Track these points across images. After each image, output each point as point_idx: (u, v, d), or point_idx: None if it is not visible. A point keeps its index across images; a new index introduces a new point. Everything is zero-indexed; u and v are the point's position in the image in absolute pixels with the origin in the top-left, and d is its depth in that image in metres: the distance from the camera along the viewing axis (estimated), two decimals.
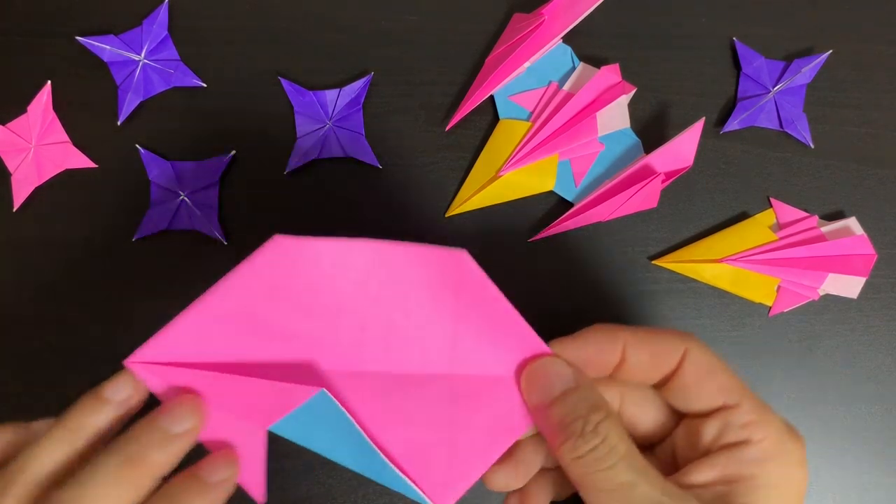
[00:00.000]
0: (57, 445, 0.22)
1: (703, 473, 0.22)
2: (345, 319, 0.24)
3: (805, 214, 0.35)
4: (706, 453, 0.23)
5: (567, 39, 0.35)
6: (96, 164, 0.35)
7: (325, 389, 0.22)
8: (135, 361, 0.23)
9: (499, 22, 0.36)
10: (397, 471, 0.24)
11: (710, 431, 0.23)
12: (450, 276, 0.24)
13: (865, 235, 0.34)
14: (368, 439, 0.23)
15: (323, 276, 0.24)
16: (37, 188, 0.35)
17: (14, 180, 0.35)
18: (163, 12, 0.35)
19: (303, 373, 0.24)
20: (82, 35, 0.35)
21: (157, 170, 0.34)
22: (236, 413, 0.24)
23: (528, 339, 0.24)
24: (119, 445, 0.22)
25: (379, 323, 0.24)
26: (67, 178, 0.35)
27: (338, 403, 0.23)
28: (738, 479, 0.22)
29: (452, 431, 0.24)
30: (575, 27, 0.34)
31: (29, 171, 0.34)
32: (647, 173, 0.33)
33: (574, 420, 0.22)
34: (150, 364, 0.23)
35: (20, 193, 0.34)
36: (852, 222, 0.35)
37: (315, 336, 0.24)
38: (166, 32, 0.35)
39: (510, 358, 0.25)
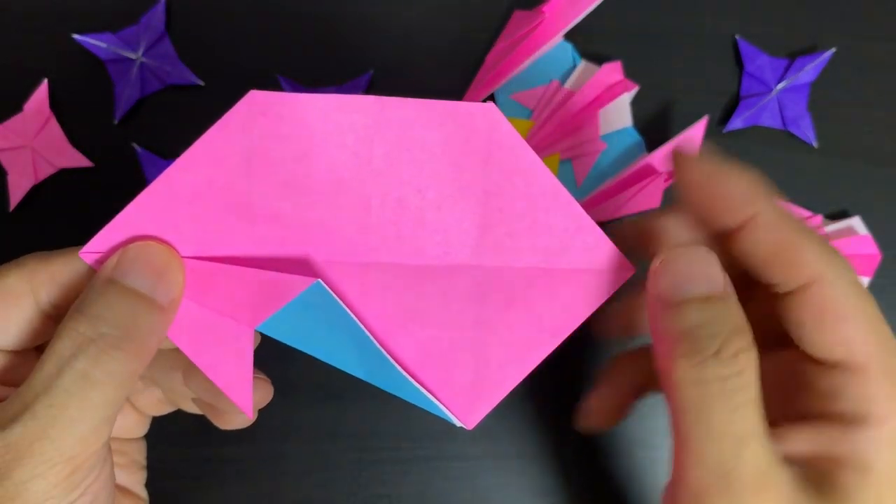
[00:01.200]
0: None
1: (802, 442, 0.18)
2: (343, 198, 0.19)
3: (808, 214, 0.35)
4: (807, 416, 0.19)
5: (568, 37, 0.35)
6: (93, 163, 0.35)
7: (320, 280, 0.18)
8: (90, 252, 0.19)
9: (499, 20, 0.36)
10: (409, 378, 0.20)
11: (820, 387, 0.18)
12: (476, 140, 0.19)
13: (869, 235, 0.34)
14: (374, 340, 0.19)
15: (314, 143, 0.19)
16: (33, 187, 0.34)
17: (10, 180, 0.34)
18: (160, 10, 0.35)
19: (294, 263, 0.19)
20: (79, 33, 0.34)
21: (154, 169, 0.34)
22: (215, 310, 0.19)
23: (583, 224, 0.19)
24: (80, 310, 0.18)
25: (386, 202, 0.19)
26: (64, 178, 0.35)
27: (334, 296, 0.18)
28: (846, 463, 0.18)
29: (479, 333, 0.20)
30: (576, 25, 0.34)
31: (25, 171, 0.34)
32: (649, 172, 0.33)
33: (711, 335, 0.17)
34: (102, 254, 0.19)
35: (16, 193, 0.34)
36: (856, 222, 0.34)
37: (307, 218, 0.19)
38: (164, 30, 0.35)
39: (558, 245, 0.19)
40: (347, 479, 0.33)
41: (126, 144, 0.35)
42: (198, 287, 0.19)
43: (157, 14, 0.35)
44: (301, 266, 0.19)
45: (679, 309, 0.18)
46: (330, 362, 0.21)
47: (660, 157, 0.33)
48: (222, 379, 0.20)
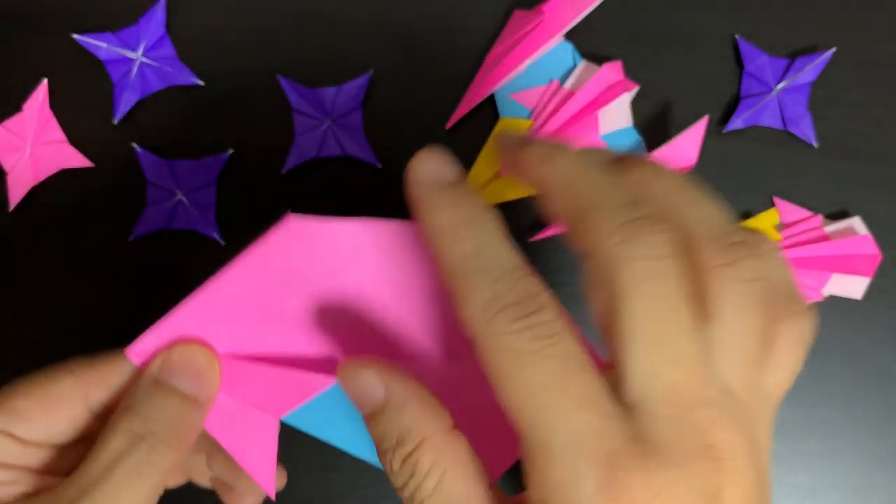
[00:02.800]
0: None
1: None
2: (368, 305, 0.21)
3: (809, 214, 0.35)
4: None
5: (568, 37, 0.35)
6: (93, 162, 0.35)
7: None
8: (135, 351, 0.21)
9: (499, 19, 0.36)
10: None
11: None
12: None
13: (870, 235, 0.34)
14: None
15: (342, 262, 0.21)
16: (33, 187, 0.34)
17: (10, 179, 0.34)
18: (160, 10, 0.35)
19: (320, 362, 0.21)
20: (78, 33, 0.34)
21: (153, 169, 0.34)
22: (245, 402, 0.22)
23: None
24: (127, 416, 0.21)
25: (404, 307, 0.21)
26: (64, 178, 0.35)
27: None
28: None
29: (483, 424, 0.21)
30: (576, 24, 0.34)
31: (25, 171, 0.34)
32: None
33: (384, 452, 0.18)
34: (148, 352, 0.21)
35: (16, 193, 0.34)
36: (857, 222, 0.34)
37: (335, 323, 0.21)
38: (164, 30, 0.35)
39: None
40: (347, 479, 0.33)
41: (126, 144, 0.35)
42: (230, 380, 0.21)
43: (157, 14, 0.35)
44: (326, 365, 0.21)
45: (367, 426, 0.19)
46: (345, 450, 0.22)
47: (660, 157, 0.33)
48: (249, 464, 0.22)
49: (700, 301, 0.17)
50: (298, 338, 0.21)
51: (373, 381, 0.18)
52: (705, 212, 0.18)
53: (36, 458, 0.21)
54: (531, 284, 0.18)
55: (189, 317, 0.21)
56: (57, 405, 0.21)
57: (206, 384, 0.20)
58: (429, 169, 0.20)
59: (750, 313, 0.17)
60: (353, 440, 0.22)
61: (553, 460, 0.16)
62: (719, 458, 0.16)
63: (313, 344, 0.21)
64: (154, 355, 0.21)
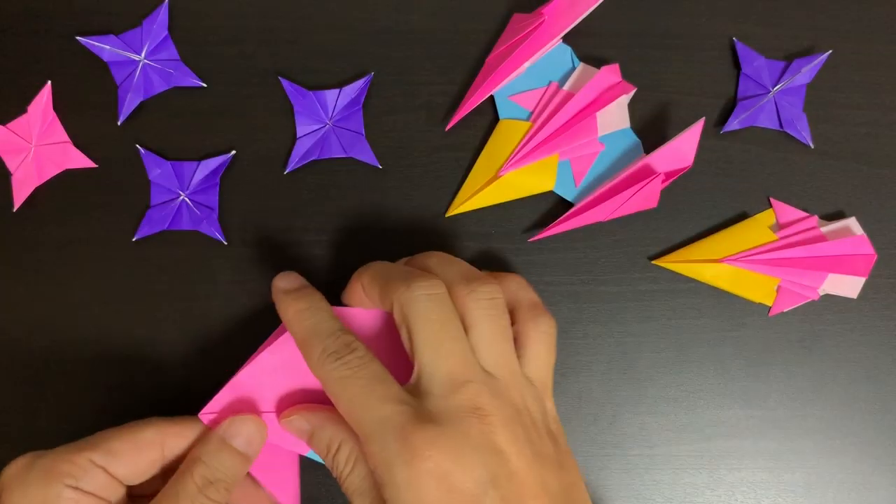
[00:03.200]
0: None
1: None
2: None
3: (805, 214, 0.35)
4: None
5: (567, 39, 0.35)
6: (96, 164, 0.35)
7: None
8: (206, 413, 0.29)
9: (499, 22, 0.36)
10: None
11: None
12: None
13: (865, 235, 0.34)
14: None
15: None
16: (37, 188, 0.35)
17: (14, 180, 0.35)
18: (163, 12, 0.35)
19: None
20: (82, 35, 0.35)
21: (157, 170, 0.34)
22: (276, 442, 0.29)
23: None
24: (193, 468, 0.27)
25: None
26: (67, 178, 0.35)
27: None
28: None
29: None
30: (575, 27, 0.34)
31: (29, 172, 0.34)
32: (647, 173, 0.33)
33: (324, 459, 0.28)
34: (216, 414, 0.29)
35: (20, 193, 0.34)
36: (852, 222, 0.35)
37: None
38: (166, 32, 0.35)
39: None
40: None
41: (129, 145, 0.35)
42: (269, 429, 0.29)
43: (160, 16, 0.35)
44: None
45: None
46: None
47: (658, 158, 0.33)
48: (278, 491, 0.30)
49: (461, 320, 0.26)
50: (316, 394, 0.29)
51: (299, 421, 0.28)
52: (458, 268, 0.28)
53: (117, 494, 0.27)
54: (346, 336, 0.26)
55: (240, 386, 0.29)
56: (143, 449, 0.27)
57: (255, 444, 0.28)
58: (282, 283, 0.29)
59: (492, 321, 0.26)
60: None
61: (371, 439, 0.24)
62: (485, 414, 0.24)
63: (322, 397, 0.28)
64: (220, 418, 0.28)
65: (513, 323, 0.28)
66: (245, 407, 0.29)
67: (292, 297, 0.28)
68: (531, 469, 0.25)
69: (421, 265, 0.28)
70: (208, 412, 0.29)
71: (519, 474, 0.24)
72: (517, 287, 0.29)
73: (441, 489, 0.23)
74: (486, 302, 0.27)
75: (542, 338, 0.28)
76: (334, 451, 0.27)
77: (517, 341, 0.28)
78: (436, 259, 0.28)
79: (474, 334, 0.26)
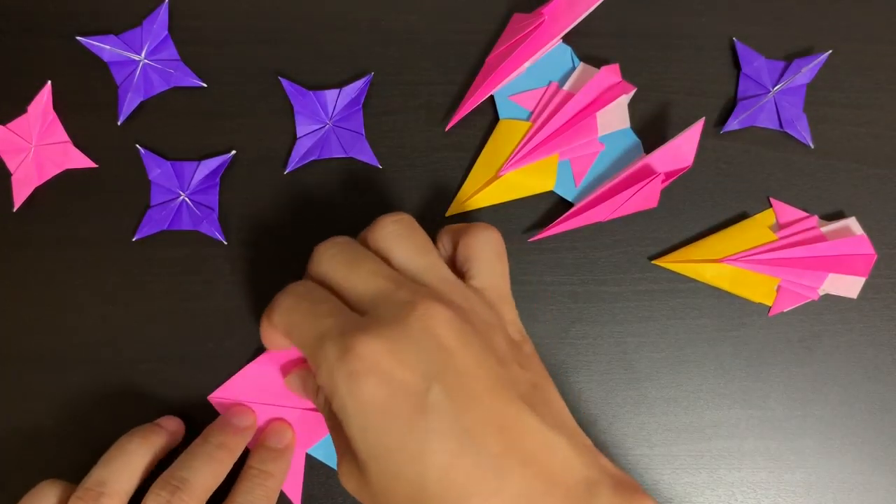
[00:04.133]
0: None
1: None
2: None
3: (805, 214, 0.35)
4: None
5: (567, 39, 0.35)
6: (96, 163, 0.35)
7: None
8: (214, 397, 0.33)
9: (499, 22, 0.36)
10: None
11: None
12: None
13: (865, 235, 0.34)
14: None
15: None
16: (37, 188, 0.35)
17: (14, 180, 0.35)
18: (163, 12, 0.35)
19: None
20: (82, 35, 0.35)
21: (157, 170, 0.34)
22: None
23: None
24: (208, 437, 0.31)
25: None
26: (68, 178, 0.35)
27: None
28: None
29: None
30: (575, 27, 0.34)
31: (29, 171, 0.34)
32: (647, 173, 0.33)
33: (317, 401, 0.30)
34: (223, 399, 0.33)
35: (20, 193, 0.34)
36: (852, 222, 0.35)
37: None
38: (166, 32, 0.35)
39: None
40: None
41: (129, 145, 0.35)
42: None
43: (160, 16, 0.35)
44: None
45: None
46: None
47: (658, 158, 0.33)
48: (286, 483, 0.33)
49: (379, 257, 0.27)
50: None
51: (292, 377, 0.32)
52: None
53: None
54: (315, 290, 0.27)
55: (240, 381, 0.33)
56: (140, 477, 0.30)
57: (250, 424, 0.32)
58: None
59: (402, 240, 0.27)
60: None
61: (315, 357, 0.24)
62: (422, 311, 0.24)
63: None
64: (226, 402, 0.33)
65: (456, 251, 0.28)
66: (251, 395, 0.33)
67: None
68: (482, 365, 0.24)
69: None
70: (217, 397, 0.33)
71: (468, 369, 0.23)
72: (457, 228, 0.29)
73: (382, 389, 0.23)
74: (392, 227, 0.27)
75: (482, 247, 0.27)
76: (313, 389, 0.30)
77: (463, 262, 0.28)
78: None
79: (393, 260, 0.26)
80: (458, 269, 0.28)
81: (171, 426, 0.32)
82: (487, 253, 0.27)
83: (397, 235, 0.27)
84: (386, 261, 0.26)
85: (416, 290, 0.25)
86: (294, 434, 0.33)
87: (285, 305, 0.27)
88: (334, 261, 0.26)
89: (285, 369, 0.33)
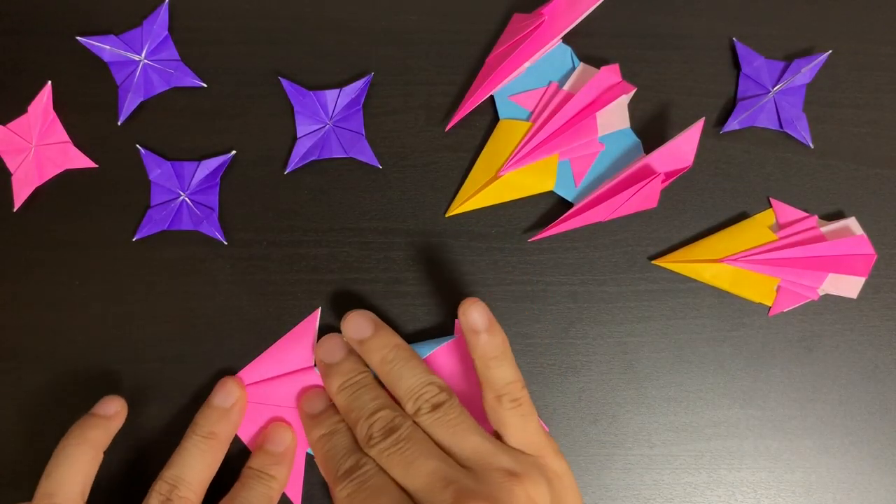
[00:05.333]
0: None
1: None
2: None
3: (805, 214, 0.35)
4: None
5: (567, 39, 0.35)
6: (97, 164, 0.35)
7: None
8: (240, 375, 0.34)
9: (499, 22, 0.36)
10: None
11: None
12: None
13: (865, 235, 0.34)
14: None
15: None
16: (37, 188, 0.35)
17: (14, 180, 0.35)
18: (163, 12, 0.35)
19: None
20: (83, 35, 0.35)
21: (157, 170, 0.34)
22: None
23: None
24: (196, 428, 0.31)
25: None
26: (68, 178, 0.35)
27: None
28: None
29: None
30: (575, 27, 0.34)
31: (29, 171, 0.34)
32: (646, 173, 0.33)
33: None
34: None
35: (21, 193, 0.34)
36: (852, 222, 0.35)
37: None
38: (166, 32, 0.35)
39: None
40: None
41: (129, 145, 0.35)
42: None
43: (160, 16, 0.35)
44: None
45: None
46: None
47: (658, 158, 0.33)
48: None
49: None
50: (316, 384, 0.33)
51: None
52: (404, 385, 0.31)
53: None
54: (356, 456, 0.30)
55: (252, 370, 0.34)
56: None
57: (236, 397, 0.32)
58: (307, 406, 0.32)
59: (444, 427, 0.29)
60: None
61: (430, 483, 0.27)
62: (521, 481, 0.28)
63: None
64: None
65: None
66: (252, 397, 0.33)
67: (314, 422, 0.32)
68: None
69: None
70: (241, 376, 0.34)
71: None
72: (483, 369, 0.31)
73: None
74: (432, 416, 0.29)
75: (506, 414, 0.30)
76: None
77: (495, 424, 0.30)
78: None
79: (444, 448, 0.29)
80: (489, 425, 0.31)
81: (109, 410, 0.31)
82: (514, 418, 0.30)
83: (438, 422, 0.29)
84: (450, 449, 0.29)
85: (518, 460, 0.29)
86: (295, 437, 0.33)
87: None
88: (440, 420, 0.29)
89: (287, 371, 0.33)
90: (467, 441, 0.29)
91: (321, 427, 0.31)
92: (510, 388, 0.30)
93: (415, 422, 0.29)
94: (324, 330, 0.34)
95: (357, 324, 0.32)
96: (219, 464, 0.31)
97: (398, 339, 0.31)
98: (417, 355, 0.31)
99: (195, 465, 0.30)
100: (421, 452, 0.28)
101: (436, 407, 0.29)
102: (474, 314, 0.30)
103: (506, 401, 0.30)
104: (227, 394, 0.32)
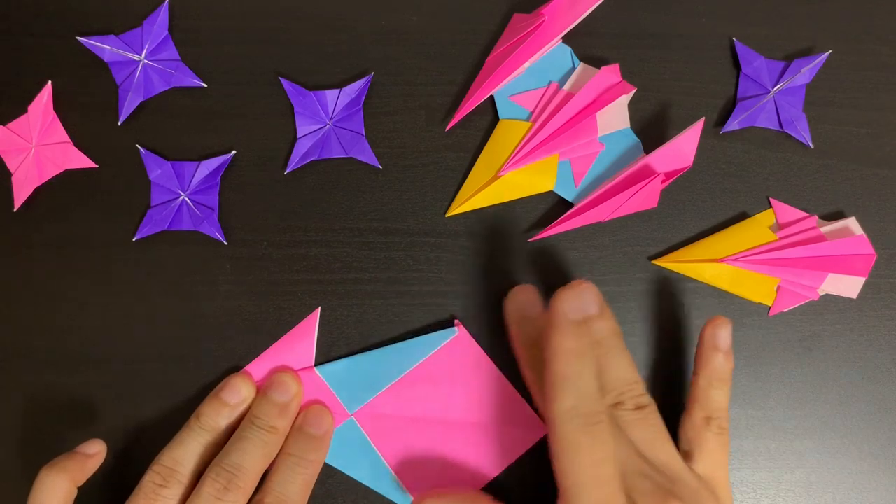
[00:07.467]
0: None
1: None
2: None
3: (805, 214, 0.35)
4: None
5: (567, 39, 0.35)
6: (97, 164, 0.35)
7: (353, 417, 0.33)
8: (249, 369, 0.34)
9: (499, 22, 0.36)
10: (401, 483, 0.33)
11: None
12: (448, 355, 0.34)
13: (865, 235, 0.34)
14: (385, 461, 0.33)
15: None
16: (37, 188, 0.35)
17: (14, 180, 0.35)
18: (163, 12, 0.35)
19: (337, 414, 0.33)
20: (83, 35, 0.35)
21: (157, 170, 0.34)
22: None
23: (515, 403, 0.34)
24: (256, 420, 0.31)
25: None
26: (68, 178, 0.35)
27: (362, 430, 0.33)
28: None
29: (446, 460, 0.33)
30: (575, 27, 0.34)
31: (29, 171, 0.34)
32: (647, 173, 0.33)
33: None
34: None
35: (21, 193, 0.34)
36: (852, 222, 0.35)
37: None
38: (167, 32, 0.35)
39: (499, 413, 0.34)
40: (346, 479, 0.33)
41: (130, 145, 0.35)
42: None
43: (160, 16, 0.35)
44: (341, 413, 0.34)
45: None
46: (353, 476, 0.34)
47: (658, 158, 0.33)
48: None
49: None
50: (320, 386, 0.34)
51: None
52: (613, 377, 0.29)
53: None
54: (597, 405, 0.27)
55: (252, 370, 0.34)
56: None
57: (293, 393, 0.33)
58: (569, 306, 0.28)
59: (645, 430, 0.29)
60: (355, 467, 0.33)
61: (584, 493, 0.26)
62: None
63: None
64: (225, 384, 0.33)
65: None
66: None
67: (572, 330, 0.28)
68: None
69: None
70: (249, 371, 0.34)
71: None
72: (706, 386, 0.31)
73: None
74: (634, 414, 0.29)
75: (709, 438, 0.30)
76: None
77: (688, 442, 0.30)
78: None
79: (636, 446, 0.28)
80: (679, 443, 0.31)
81: (90, 449, 0.31)
82: (713, 443, 0.30)
83: (641, 424, 0.29)
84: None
85: (702, 484, 0.28)
86: (332, 420, 0.33)
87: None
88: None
89: (294, 355, 0.34)
90: (662, 450, 0.28)
91: (574, 339, 0.28)
92: (722, 414, 0.30)
93: (611, 414, 0.28)
94: (323, 330, 0.34)
95: (585, 298, 0.29)
96: (273, 457, 0.31)
97: (618, 326, 0.29)
98: (628, 350, 0.30)
99: (255, 454, 0.30)
100: (664, 433, 0.29)
101: (639, 407, 0.28)
102: (723, 333, 0.31)
103: (714, 425, 0.30)
104: (285, 389, 0.32)
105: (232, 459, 0.30)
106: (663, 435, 0.29)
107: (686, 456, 0.30)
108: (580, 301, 0.28)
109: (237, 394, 0.32)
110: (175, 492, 0.29)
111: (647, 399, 0.29)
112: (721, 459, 0.30)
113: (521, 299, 0.32)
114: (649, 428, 0.28)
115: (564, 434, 0.26)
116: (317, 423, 0.32)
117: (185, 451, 0.30)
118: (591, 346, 0.28)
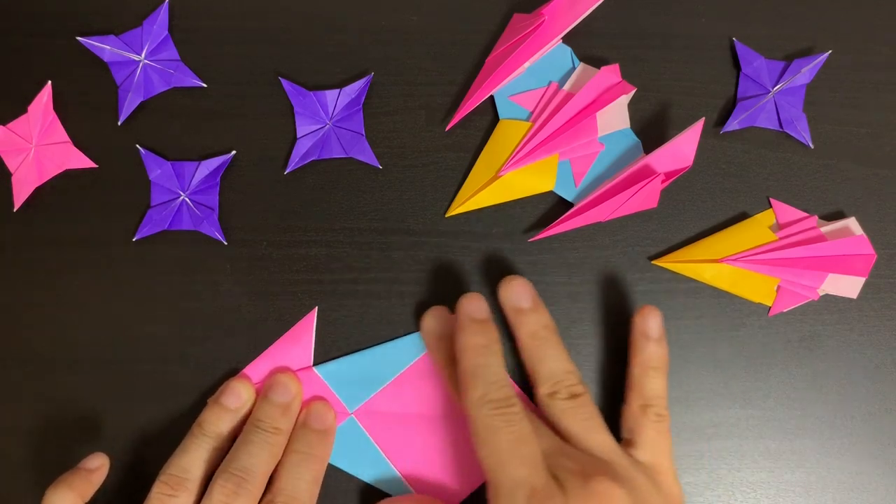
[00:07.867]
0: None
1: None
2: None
3: (805, 214, 0.35)
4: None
5: (567, 40, 0.35)
6: (97, 164, 0.35)
7: (353, 416, 0.33)
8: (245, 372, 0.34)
9: (499, 22, 0.36)
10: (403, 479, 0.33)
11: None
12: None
13: (865, 235, 0.34)
14: (387, 458, 0.33)
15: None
16: (37, 188, 0.35)
17: (14, 180, 0.35)
18: (163, 12, 0.35)
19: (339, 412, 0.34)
20: (83, 35, 0.35)
21: (157, 170, 0.34)
22: None
23: None
24: (259, 422, 0.31)
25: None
26: (68, 179, 0.35)
27: (363, 428, 0.33)
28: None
29: (445, 458, 0.33)
30: (575, 27, 0.34)
31: (29, 171, 0.34)
32: (646, 173, 0.33)
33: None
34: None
35: (21, 193, 0.34)
36: (852, 222, 0.35)
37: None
38: (167, 33, 0.35)
39: None
40: (346, 480, 0.33)
41: (129, 146, 0.35)
42: None
43: (160, 16, 0.35)
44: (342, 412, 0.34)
45: None
46: (353, 474, 0.33)
47: (658, 159, 0.33)
48: None
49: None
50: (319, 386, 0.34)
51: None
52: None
53: None
54: (507, 390, 0.29)
55: (257, 365, 0.34)
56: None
57: (294, 393, 0.33)
58: (470, 307, 0.31)
59: (576, 419, 0.30)
60: (357, 465, 0.33)
61: (500, 493, 0.26)
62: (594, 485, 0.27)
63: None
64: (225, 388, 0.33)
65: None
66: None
67: (476, 328, 0.30)
68: None
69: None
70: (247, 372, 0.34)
71: None
72: (642, 375, 0.32)
73: None
74: (567, 403, 0.30)
75: (647, 425, 0.31)
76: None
77: (629, 430, 0.31)
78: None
79: (570, 440, 0.29)
80: (621, 432, 0.32)
81: (92, 464, 0.31)
82: (654, 432, 0.31)
83: (573, 412, 0.30)
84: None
85: (639, 469, 0.29)
86: (335, 414, 0.33)
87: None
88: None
89: (293, 356, 0.34)
90: (596, 437, 0.29)
91: (479, 336, 0.30)
92: (659, 401, 0.31)
93: (546, 403, 0.30)
94: (323, 330, 0.34)
95: (518, 293, 0.32)
96: (279, 457, 0.31)
97: (551, 320, 0.31)
98: (562, 342, 0.32)
99: (262, 456, 0.30)
100: (598, 420, 0.30)
101: (573, 396, 0.30)
102: (652, 322, 0.32)
103: (651, 413, 0.31)
104: (286, 390, 0.32)
105: (239, 464, 0.30)
106: (598, 422, 0.30)
107: (627, 444, 0.31)
108: (514, 295, 0.31)
109: (237, 398, 0.32)
110: (184, 500, 0.29)
111: (582, 388, 0.30)
112: (662, 446, 0.31)
113: (432, 324, 0.33)
114: (583, 415, 0.30)
115: (480, 420, 0.28)
116: (320, 419, 0.32)
117: (191, 459, 0.30)
118: (495, 341, 0.30)
